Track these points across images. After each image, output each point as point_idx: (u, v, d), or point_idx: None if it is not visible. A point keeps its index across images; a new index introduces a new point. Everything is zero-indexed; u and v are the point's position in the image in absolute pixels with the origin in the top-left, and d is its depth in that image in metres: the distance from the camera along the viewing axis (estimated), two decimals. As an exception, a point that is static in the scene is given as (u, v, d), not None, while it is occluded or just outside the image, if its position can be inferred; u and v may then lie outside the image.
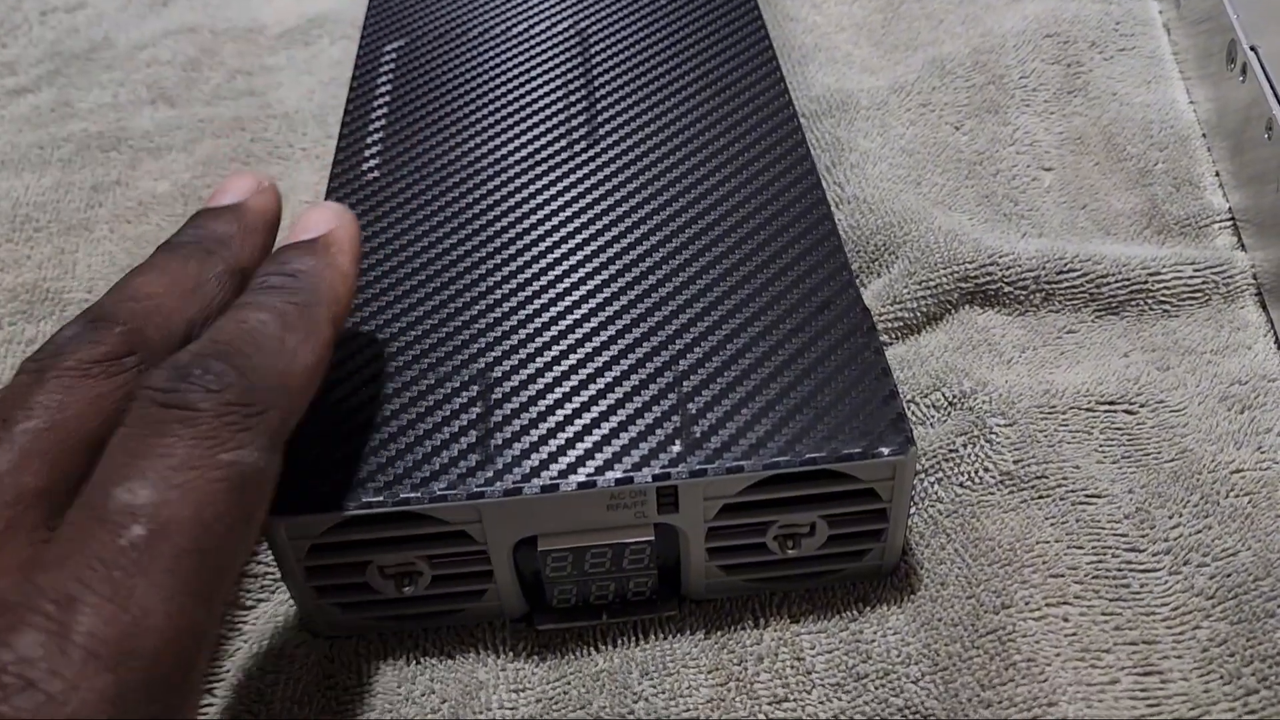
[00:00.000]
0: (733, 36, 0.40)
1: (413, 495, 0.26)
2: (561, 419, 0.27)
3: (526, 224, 0.33)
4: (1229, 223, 0.38)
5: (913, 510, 0.30)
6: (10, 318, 0.38)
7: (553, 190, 0.34)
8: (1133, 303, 0.36)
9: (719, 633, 0.28)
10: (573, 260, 0.32)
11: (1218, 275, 0.36)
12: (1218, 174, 0.40)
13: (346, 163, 0.36)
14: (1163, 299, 0.36)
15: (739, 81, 0.38)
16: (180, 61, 0.51)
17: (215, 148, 0.45)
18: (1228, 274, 0.36)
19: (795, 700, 0.27)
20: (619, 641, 0.28)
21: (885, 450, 0.26)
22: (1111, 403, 0.32)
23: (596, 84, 0.38)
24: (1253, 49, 0.38)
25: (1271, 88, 0.36)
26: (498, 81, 0.39)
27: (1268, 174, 0.36)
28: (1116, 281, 0.36)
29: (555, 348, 0.29)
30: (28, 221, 0.42)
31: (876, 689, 0.27)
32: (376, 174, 0.35)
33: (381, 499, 0.26)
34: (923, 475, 0.31)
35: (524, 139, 0.36)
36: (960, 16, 0.48)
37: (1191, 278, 0.36)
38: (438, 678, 0.28)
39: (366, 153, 0.36)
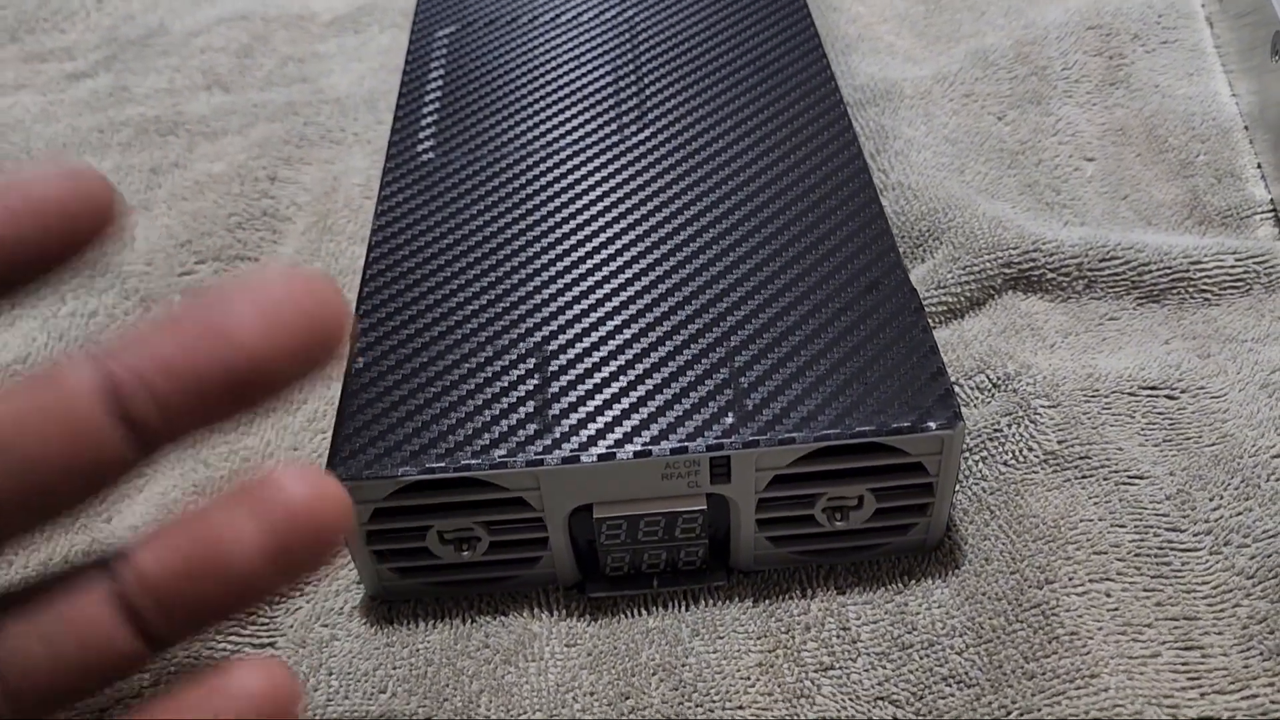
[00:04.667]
0: (779, 25, 0.40)
1: (473, 462, 0.27)
2: (617, 390, 0.28)
3: (580, 204, 0.34)
4: (1270, 214, 0.39)
5: (957, 488, 0.31)
6: (74, 291, 0.40)
7: (605, 171, 0.35)
8: (1174, 291, 0.36)
9: (767, 601, 0.29)
10: (626, 239, 0.32)
11: (1259, 265, 0.36)
12: (1259, 166, 0.40)
13: (401, 144, 0.37)
14: (1204, 288, 0.36)
15: (786, 68, 0.38)
16: (233, 48, 0.52)
17: (269, 131, 0.46)
18: (1269, 264, 0.37)
19: (841, 668, 0.28)
20: (669, 606, 0.29)
21: (933, 424, 0.27)
22: (1153, 388, 0.33)
23: (645, 69, 0.39)
24: (1297, 41, 0.38)
25: (1316, 79, 0.37)
26: (548, 67, 0.39)
27: (1311, 165, 0.36)
28: (1158, 270, 0.36)
29: (611, 322, 0.30)
30: (89, 200, 0.43)
31: (921, 658, 0.27)
32: (431, 155, 0.36)
33: (443, 465, 0.27)
34: (967, 454, 0.32)
35: (575, 122, 0.37)
36: (1002, 8, 0.48)
37: (1233, 267, 0.36)
38: (492, 632, 0.29)
39: (421, 135, 0.37)
